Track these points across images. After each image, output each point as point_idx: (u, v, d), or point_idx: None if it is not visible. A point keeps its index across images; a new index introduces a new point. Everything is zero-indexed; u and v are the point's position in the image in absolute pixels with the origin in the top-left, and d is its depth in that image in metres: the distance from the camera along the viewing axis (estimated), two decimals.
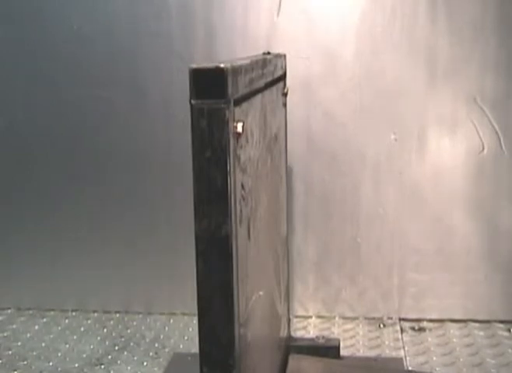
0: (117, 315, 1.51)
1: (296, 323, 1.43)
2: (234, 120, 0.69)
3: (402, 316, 1.45)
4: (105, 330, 1.44)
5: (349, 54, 1.37)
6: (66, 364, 1.30)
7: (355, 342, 1.37)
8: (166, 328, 1.45)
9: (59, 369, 1.28)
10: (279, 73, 1.12)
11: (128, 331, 1.44)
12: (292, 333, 1.32)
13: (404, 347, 1.33)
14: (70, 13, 1.42)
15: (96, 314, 1.51)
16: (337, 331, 1.41)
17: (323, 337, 1.29)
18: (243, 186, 0.75)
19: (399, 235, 1.43)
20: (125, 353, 1.34)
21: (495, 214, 1.40)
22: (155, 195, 1.46)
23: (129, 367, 1.28)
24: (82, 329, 1.45)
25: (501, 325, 1.41)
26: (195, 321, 0.70)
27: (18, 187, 1.50)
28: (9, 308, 1.55)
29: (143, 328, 1.45)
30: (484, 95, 1.35)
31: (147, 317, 1.50)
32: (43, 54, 1.44)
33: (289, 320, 1.27)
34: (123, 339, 1.40)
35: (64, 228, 1.50)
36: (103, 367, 1.29)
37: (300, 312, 1.47)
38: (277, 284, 1.10)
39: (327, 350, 1.26)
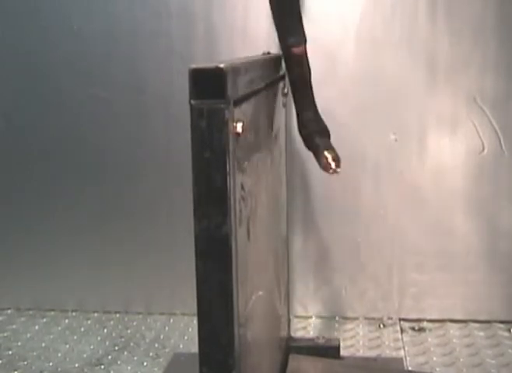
0: (117, 315, 1.51)
1: (296, 323, 1.43)
2: (234, 120, 0.69)
3: (402, 316, 1.45)
4: (105, 330, 1.44)
5: (349, 54, 1.37)
6: (66, 365, 1.30)
7: (355, 342, 1.37)
8: (166, 328, 1.45)
9: (59, 369, 1.28)
10: (279, 73, 1.12)
11: (128, 331, 1.44)
12: (292, 333, 1.32)
13: (404, 347, 1.33)
14: (69, 13, 1.42)
15: (96, 314, 1.51)
16: (337, 331, 1.41)
17: (323, 337, 1.29)
18: (242, 187, 0.75)
19: (399, 235, 1.43)
20: (125, 353, 1.34)
21: (495, 214, 1.40)
22: (154, 195, 1.46)
23: (129, 368, 1.29)
24: (82, 329, 1.45)
25: (501, 326, 1.40)
26: (195, 321, 0.70)
27: (18, 187, 1.50)
28: (9, 309, 1.55)
29: (143, 328, 1.45)
30: (484, 95, 1.35)
31: (147, 317, 1.50)
32: (43, 54, 1.44)
33: (289, 320, 1.27)
34: (123, 340, 1.40)
35: (64, 228, 1.50)
36: (103, 367, 1.29)
37: (300, 312, 1.47)
38: (277, 284, 1.10)
39: (327, 350, 1.26)
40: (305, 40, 1.00)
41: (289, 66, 1.01)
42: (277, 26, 0.99)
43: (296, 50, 0.99)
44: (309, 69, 1.02)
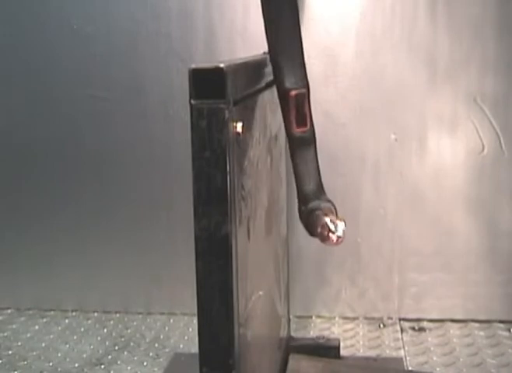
0: (117, 315, 1.51)
1: (296, 323, 1.43)
2: (234, 120, 0.69)
3: (402, 316, 1.45)
4: (105, 330, 1.44)
5: (349, 54, 1.37)
6: (66, 364, 1.30)
7: (355, 342, 1.37)
8: (166, 328, 1.45)
9: (59, 369, 1.28)
10: None
11: (128, 331, 1.44)
12: (293, 333, 1.32)
13: (404, 347, 1.33)
14: (70, 13, 1.42)
15: (96, 314, 1.51)
16: (337, 331, 1.41)
17: (323, 337, 1.29)
18: (242, 186, 0.75)
19: (399, 235, 1.43)
20: (125, 353, 1.34)
21: (495, 214, 1.40)
22: (154, 195, 1.46)
23: (129, 367, 1.28)
24: (82, 329, 1.45)
25: (501, 325, 1.40)
26: (195, 321, 0.70)
27: (17, 187, 1.50)
28: (9, 308, 1.55)
29: (143, 328, 1.45)
30: (484, 95, 1.35)
31: (147, 317, 1.50)
32: (43, 54, 1.44)
33: (289, 320, 1.27)
34: (123, 339, 1.40)
35: (63, 228, 1.50)
36: (103, 367, 1.29)
37: (300, 312, 1.47)
38: (277, 284, 1.10)
39: (327, 350, 1.26)
40: (307, 87, 0.84)
41: (287, 116, 0.83)
42: (274, 66, 0.84)
43: (295, 93, 0.82)
44: (312, 125, 0.85)
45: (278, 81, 0.83)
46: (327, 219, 0.80)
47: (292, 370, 1.15)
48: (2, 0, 1.44)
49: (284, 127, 0.84)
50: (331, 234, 0.79)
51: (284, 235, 1.21)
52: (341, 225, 0.80)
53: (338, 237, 0.80)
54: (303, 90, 0.83)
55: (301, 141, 0.84)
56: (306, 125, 0.83)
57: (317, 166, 0.85)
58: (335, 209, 0.85)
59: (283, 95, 0.83)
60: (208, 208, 0.68)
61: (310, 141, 0.85)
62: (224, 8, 1.38)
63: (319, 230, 0.79)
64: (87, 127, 1.46)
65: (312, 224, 0.82)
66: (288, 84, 0.83)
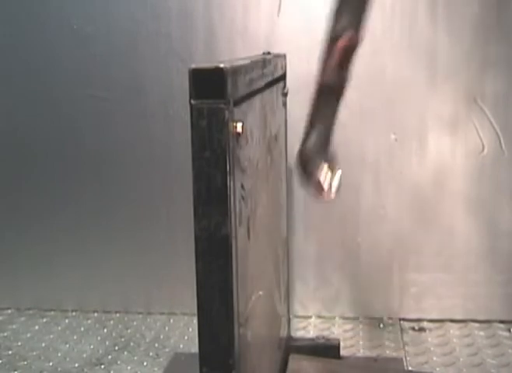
0: (117, 315, 1.51)
1: (296, 323, 1.43)
2: (234, 120, 0.69)
3: (402, 316, 1.45)
4: (105, 330, 1.44)
5: None
6: (66, 364, 1.30)
7: (355, 342, 1.36)
8: (166, 328, 1.45)
9: (59, 369, 1.28)
10: (279, 73, 1.12)
11: (128, 331, 1.44)
12: (292, 333, 1.32)
13: (404, 347, 1.33)
14: (70, 13, 1.42)
15: (96, 314, 1.51)
16: (337, 331, 1.41)
17: (323, 337, 1.29)
18: (242, 186, 0.75)
19: (399, 235, 1.43)
20: (125, 353, 1.34)
21: (495, 214, 1.40)
22: (154, 195, 1.46)
23: (129, 367, 1.29)
24: (82, 329, 1.45)
25: (501, 326, 1.40)
26: (195, 321, 0.70)
27: (17, 187, 1.50)
28: (9, 308, 1.55)
29: (143, 328, 1.45)
30: (484, 95, 1.35)
31: (147, 317, 1.50)
32: (43, 54, 1.44)
33: (289, 320, 1.27)
34: (123, 339, 1.40)
35: (63, 227, 1.50)
36: (103, 367, 1.29)
37: (300, 312, 1.47)
38: (277, 284, 1.10)
39: (327, 350, 1.26)
40: (357, 39, 0.83)
41: (326, 60, 0.85)
42: (336, 11, 0.83)
43: (343, 41, 0.83)
44: (345, 75, 0.85)
45: (333, 24, 0.84)
46: (322, 176, 0.79)
47: (292, 370, 1.15)
48: (2, 0, 1.44)
49: (318, 73, 0.85)
50: (323, 191, 0.79)
51: (284, 235, 1.21)
52: (336, 180, 0.80)
53: (330, 194, 0.79)
54: (355, 41, 0.83)
55: (329, 89, 0.87)
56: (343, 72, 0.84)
57: (334, 121, 0.86)
58: (335, 160, 0.84)
59: (333, 39, 0.84)
60: (208, 208, 0.68)
61: (338, 91, 0.87)
62: (224, 8, 1.38)
63: (314, 181, 0.78)
64: (87, 127, 1.46)
65: (308, 174, 0.80)
66: (340, 30, 0.83)
